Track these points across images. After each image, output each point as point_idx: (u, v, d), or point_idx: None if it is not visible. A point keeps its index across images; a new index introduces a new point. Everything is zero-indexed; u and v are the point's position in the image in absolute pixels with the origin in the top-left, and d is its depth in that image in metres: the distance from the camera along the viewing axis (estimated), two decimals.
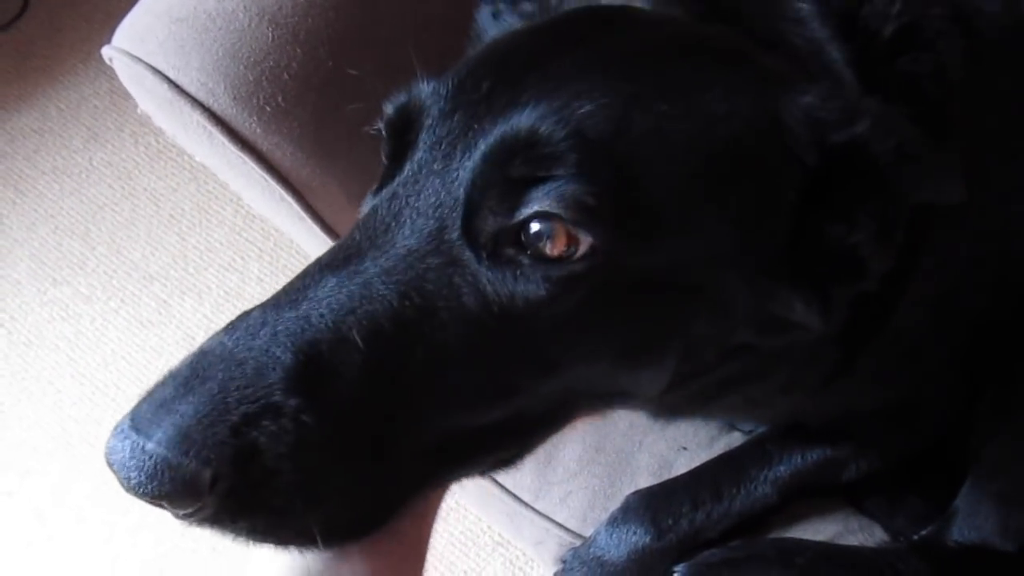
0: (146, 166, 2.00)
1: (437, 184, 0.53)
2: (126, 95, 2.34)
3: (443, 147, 0.54)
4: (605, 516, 0.94)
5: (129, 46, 0.72)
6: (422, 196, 0.53)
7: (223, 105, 0.69)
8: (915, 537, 0.90)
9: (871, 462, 0.91)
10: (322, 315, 0.49)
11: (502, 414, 0.54)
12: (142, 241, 1.92)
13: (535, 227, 0.50)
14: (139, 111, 0.79)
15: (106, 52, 0.73)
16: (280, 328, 0.48)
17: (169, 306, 1.84)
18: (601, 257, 0.51)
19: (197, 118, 0.70)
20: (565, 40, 0.58)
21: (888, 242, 0.59)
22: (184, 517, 0.48)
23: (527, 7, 0.70)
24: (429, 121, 0.55)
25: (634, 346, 0.56)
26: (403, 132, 0.56)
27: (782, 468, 0.91)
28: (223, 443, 0.45)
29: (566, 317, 0.52)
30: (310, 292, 0.50)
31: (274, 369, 0.47)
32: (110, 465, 0.47)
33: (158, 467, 0.45)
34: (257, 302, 0.51)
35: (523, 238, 0.51)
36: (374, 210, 0.53)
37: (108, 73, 2.12)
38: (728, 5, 0.66)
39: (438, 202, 0.52)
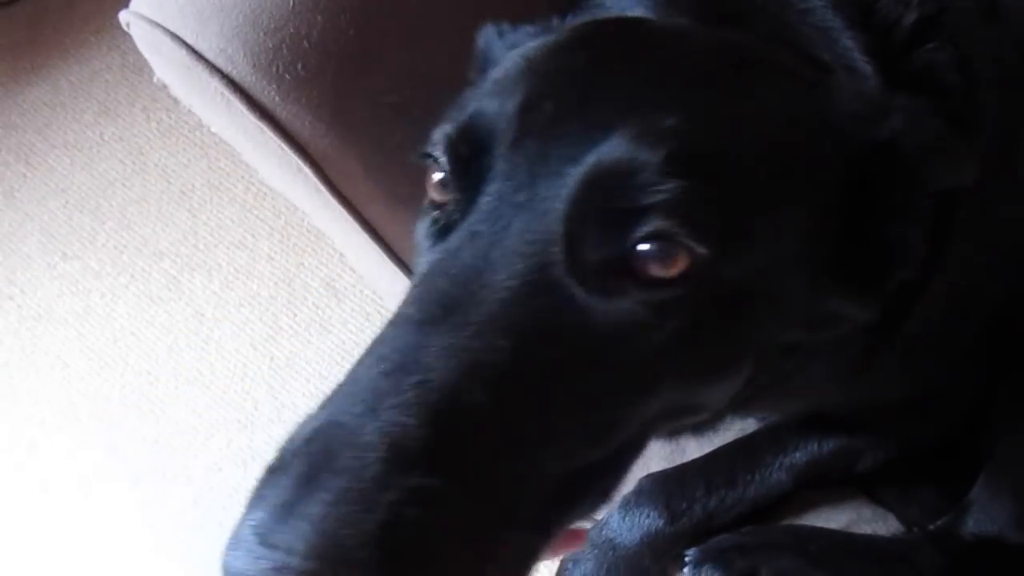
0: (158, 142, 1.99)
1: (526, 219, 0.49)
2: (138, 69, 2.33)
3: (521, 177, 0.50)
4: (618, 499, 0.93)
5: (147, 11, 0.71)
6: (511, 233, 0.49)
7: (242, 72, 0.68)
8: (930, 528, 0.90)
9: (887, 452, 0.91)
10: (441, 375, 0.45)
11: (609, 449, 0.53)
12: (152, 217, 1.91)
13: (644, 249, 0.49)
14: (155, 79, 0.78)
15: (123, 16, 0.72)
16: (401, 397, 0.44)
17: (179, 283, 1.83)
18: (703, 274, 0.49)
19: (215, 85, 0.69)
20: (609, 55, 0.56)
21: (920, 230, 0.59)
22: None
23: (529, 28, 0.68)
24: (502, 148, 0.51)
25: (720, 359, 0.55)
26: (471, 160, 0.53)
27: (798, 455, 0.91)
28: (376, 543, 0.40)
29: (667, 340, 0.51)
30: (420, 353, 0.46)
31: (408, 446, 0.42)
32: None
33: None
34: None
35: (630, 264, 0.49)
36: (455, 254, 0.50)
37: (121, 47, 2.13)
38: (731, 5, 0.65)
39: (532, 239, 0.49)
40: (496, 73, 0.57)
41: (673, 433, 0.73)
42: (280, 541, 0.40)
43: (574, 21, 0.67)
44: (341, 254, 1.78)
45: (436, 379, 0.45)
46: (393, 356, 0.46)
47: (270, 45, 0.68)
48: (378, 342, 0.48)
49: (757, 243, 0.52)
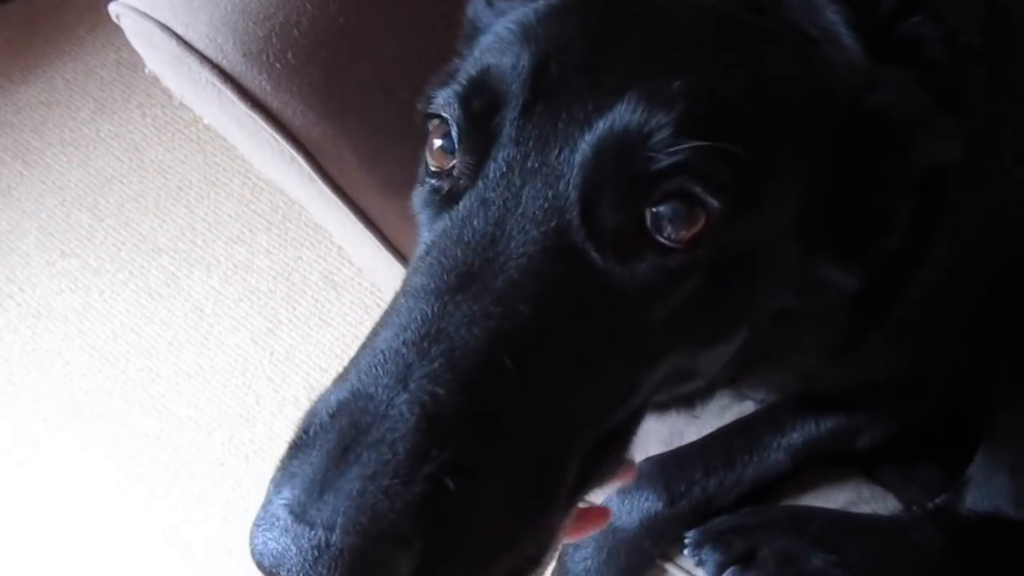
0: (153, 138, 1.99)
1: (539, 185, 0.49)
2: (133, 66, 2.32)
3: (533, 143, 0.50)
4: (616, 485, 0.93)
5: (137, 2, 0.70)
6: (524, 200, 0.49)
7: (232, 61, 0.68)
8: (929, 506, 0.90)
9: (885, 430, 0.91)
10: (467, 343, 0.44)
11: (625, 414, 0.53)
12: (150, 213, 1.92)
13: (661, 211, 0.49)
14: (147, 71, 0.78)
15: (113, 9, 0.72)
16: (429, 367, 0.43)
17: (177, 278, 1.83)
18: (717, 235, 0.50)
19: (206, 75, 0.69)
20: (611, 20, 0.56)
21: (905, 200, 0.60)
22: None
23: None
24: (514, 112, 0.51)
25: (724, 322, 0.56)
26: (483, 119, 0.52)
27: (796, 435, 0.91)
28: (418, 515, 0.39)
29: (679, 304, 0.51)
30: (442, 322, 0.45)
31: (442, 415, 0.42)
32: (275, 572, 0.40)
33: (351, 560, 0.38)
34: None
35: (647, 228, 0.49)
36: (466, 222, 0.49)
37: (115, 44, 2.13)
38: None
39: (548, 205, 0.49)
40: (488, 39, 0.56)
41: (664, 406, 0.73)
42: (317, 518, 0.39)
43: None
44: (339, 247, 1.78)
45: (462, 348, 0.44)
46: (414, 326, 0.45)
47: (260, 34, 0.68)
48: (394, 313, 0.47)
49: (764, 203, 0.53)
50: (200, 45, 0.68)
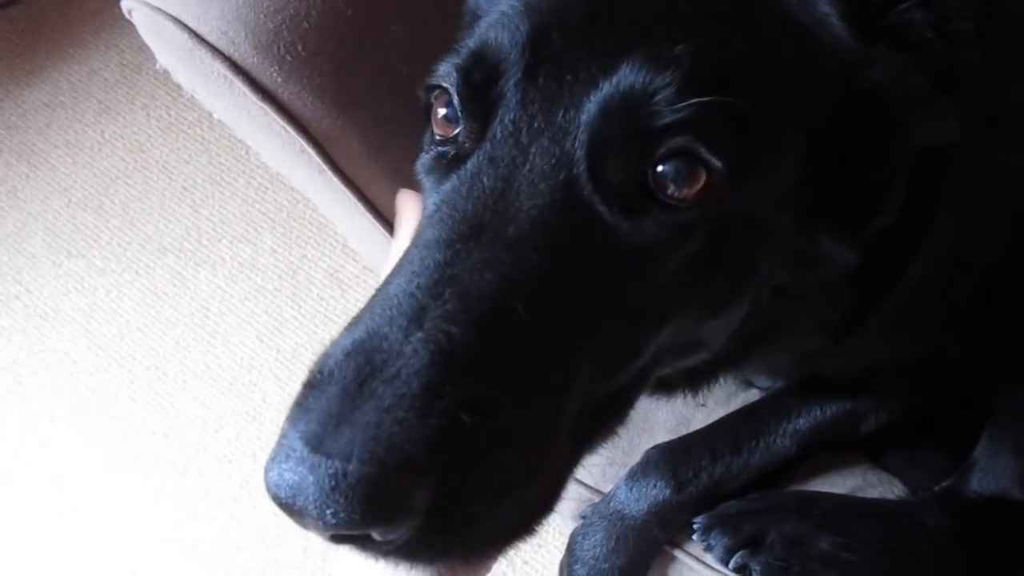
0: (158, 139, 2.00)
1: (546, 143, 0.51)
2: (136, 68, 2.32)
3: (538, 104, 0.52)
4: (624, 472, 0.94)
5: None
6: (532, 156, 0.51)
7: (243, 54, 0.69)
8: (935, 489, 0.90)
9: (890, 414, 0.92)
10: (480, 286, 0.45)
11: (626, 377, 0.54)
12: (155, 213, 1.92)
13: (664, 169, 0.51)
14: (158, 66, 0.79)
15: (125, 4, 0.73)
16: (443, 308, 0.44)
17: (183, 278, 1.84)
18: (717, 197, 0.52)
19: (218, 68, 0.70)
20: None
21: (898, 179, 0.61)
22: (377, 547, 0.42)
23: None
24: (514, 78, 0.52)
25: (725, 289, 0.58)
26: (483, 88, 0.53)
27: (801, 421, 0.92)
28: (434, 448, 0.40)
29: (682, 264, 0.53)
30: (455, 268, 0.46)
31: (456, 353, 0.43)
32: (291, 503, 0.40)
33: (367, 489, 0.39)
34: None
35: (650, 184, 0.51)
36: (476, 178, 0.51)
37: (119, 46, 2.14)
38: None
39: (555, 161, 0.50)
40: (492, 16, 0.57)
41: (671, 387, 0.75)
42: (334, 448, 0.39)
43: None
44: (344, 245, 1.79)
45: (475, 291, 0.45)
46: (427, 272, 0.46)
47: (270, 26, 0.69)
48: (406, 262, 0.48)
49: (763, 167, 0.54)
50: (212, 38, 0.69)
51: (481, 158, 0.52)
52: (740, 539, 0.86)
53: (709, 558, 0.89)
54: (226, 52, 0.69)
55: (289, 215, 1.86)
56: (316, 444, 0.40)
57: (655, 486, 0.91)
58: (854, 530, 0.85)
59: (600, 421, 0.55)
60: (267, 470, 0.42)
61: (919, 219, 0.68)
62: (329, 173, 0.78)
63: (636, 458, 0.94)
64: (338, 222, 0.94)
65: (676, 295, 0.54)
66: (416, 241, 0.50)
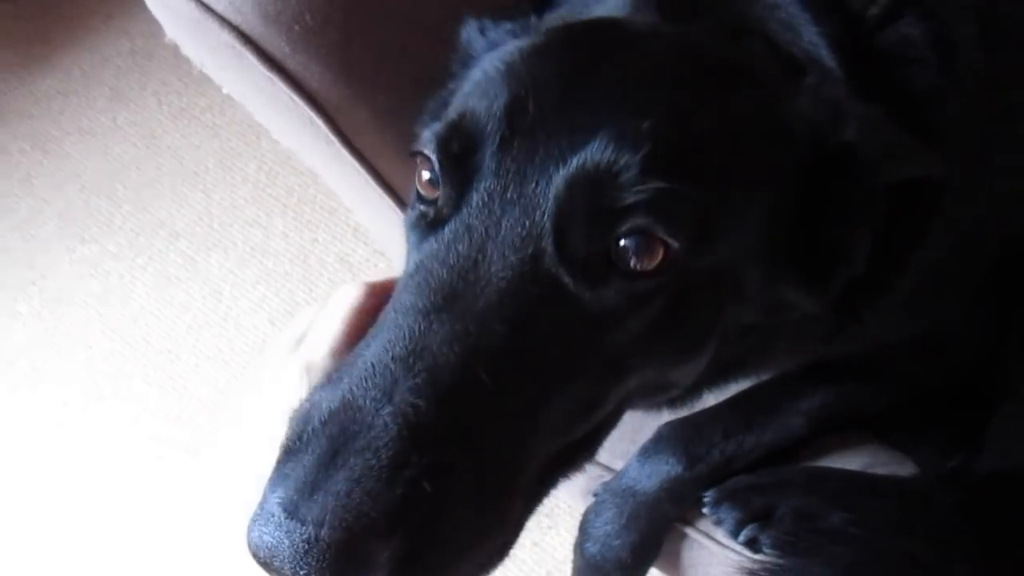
0: (169, 124, 2.01)
1: (517, 214, 0.53)
2: (148, 55, 2.34)
3: (510, 175, 0.54)
4: (634, 448, 0.94)
5: None
6: (504, 227, 0.53)
7: (251, 23, 0.69)
8: (947, 466, 0.90)
9: (901, 392, 0.91)
10: (448, 359, 0.49)
11: (591, 425, 0.57)
12: (167, 199, 1.94)
13: (625, 244, 0.53)
14: (167, 40, 0.79)
15: None
16: (413, 381, 0.48)
17: (195, 262, 1.85)
18: (678, 265, 0.54)
19: (225, 38, 0.70)
20: (585, 60, 0.59)
21: (867, 234, 0.62)
22: None
23: (508, 25, 0.70)
24: (492, 147, 0.55)
25: (689, 341, 0.60)
26: (461, 158, 0.56)
27: (812, 399, 0.91)
28: (398, 514, 0.44)
29: (644, 325, 0.55)
30: (426, 339, 0.50)
31: (422, 425, 0.47)
32: (269, 562, 0.45)
33: (336, 553, 0.43)
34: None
35: (612, 256, 0.53)
36: (451, 246, 0.54)
37: (130, 34, 2.15)
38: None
39: (525, 233, 0.53)
40: (477, 75, 0.60)
41: (650, 407, 0.78)
42: (308, 515, 0.43)
43: (551, 21, 0.70)
44: (355, 229, 1.80)
45: (443, 364, 0.49)
46: (402, 343, 0.50)
47: None
48: (384, 328, 0.52)
49: (724, 237, 0.56)
50: (219, 8, 0.69)
51: (458, 226, 0.54)
52: (750, 513, 0.85)
53: (719, 535, 0.89)
54: (233, 22, 0.69)
55: (300, 200, 1.86)
56: (292, 510, 0.44)
57: (667, 462, 0.91)
58: (864, 506, 0.84)
59: (567, 462, 0.58)
60: (249, 530, 0.46)
61: (919, 219, 0.68)
62: (337, 144, 0.78)
63: (645, 436, 0.94)
64: (346, 197, 0.94)
65: (638, 350, 0.56)
66: (395, 304, 0.53)
